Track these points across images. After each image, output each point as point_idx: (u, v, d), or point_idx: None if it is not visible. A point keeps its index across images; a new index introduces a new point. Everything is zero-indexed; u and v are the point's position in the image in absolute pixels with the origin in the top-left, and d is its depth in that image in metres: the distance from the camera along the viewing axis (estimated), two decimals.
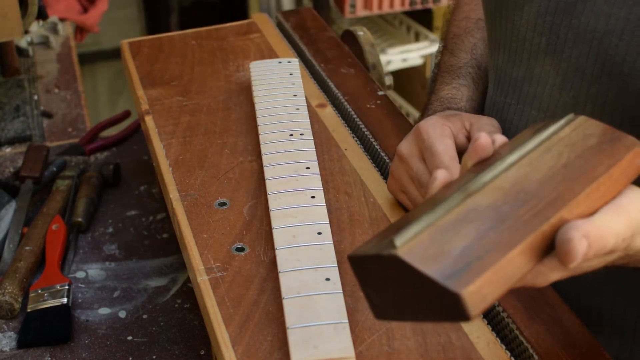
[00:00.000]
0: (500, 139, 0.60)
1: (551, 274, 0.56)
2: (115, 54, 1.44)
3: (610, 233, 0.54)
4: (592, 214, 0.55)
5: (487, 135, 0.59)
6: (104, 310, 0.94)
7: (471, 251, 0.50)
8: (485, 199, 0.53)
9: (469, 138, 0.81)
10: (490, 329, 0.69)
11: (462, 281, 0.48)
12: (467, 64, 0.94)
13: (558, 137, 0.59)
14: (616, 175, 0.57)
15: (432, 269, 0.48)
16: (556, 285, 0.73)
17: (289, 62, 1.06)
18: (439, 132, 0.79)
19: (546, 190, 0.54)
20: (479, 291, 0.48)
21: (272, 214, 0.78)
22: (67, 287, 0.94)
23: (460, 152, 0.79)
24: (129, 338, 0.90)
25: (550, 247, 0.53)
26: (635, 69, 0.70)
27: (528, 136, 0.60)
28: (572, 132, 0.60)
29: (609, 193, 0.56)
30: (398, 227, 0.52)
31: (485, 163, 0.58)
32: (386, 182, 0.86)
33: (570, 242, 0.52)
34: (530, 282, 0.56)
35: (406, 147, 0.81)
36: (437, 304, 0.48)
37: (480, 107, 0.93)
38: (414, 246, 0.50)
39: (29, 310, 0.91)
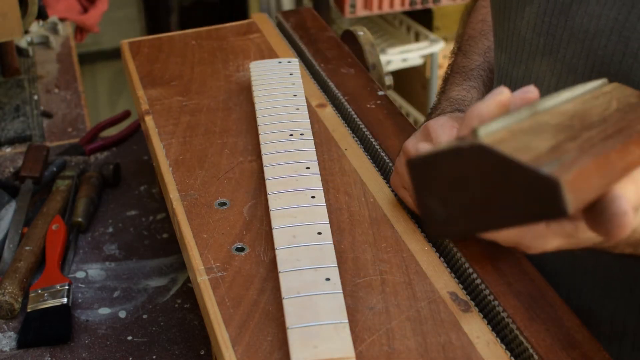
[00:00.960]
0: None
1: (551, 240, 0.54)
2: (115, 54, 1.44)
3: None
4: None
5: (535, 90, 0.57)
6: (104, 310, 0.94)
7: (559, 150, 0.45)
8: (552, 118, 0.50)
9: None
10: (490, 329, 0.69)
11: (560, 169, 0.43)
12: (479, 67, 0.94)
13: (602, 91, 0.56)
14: None
15: (525, 158, 0.44)
16: (556, 288, 0.73)
17: (289, 62, 1.07)
18: (448, 133, 0.79)
19: (610, 123, 0.51)
20: (579, 183, 0.43)
21: (272, 214, 0.78)
22: (67, 287, 0.94)
23: None
24: (129, 338, 0.90)
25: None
26: (621, 70, 0.71)
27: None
28: (612, 90, 0.57)
29: None
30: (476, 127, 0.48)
31: None
32: (386, 182, 0.86)
33: (625, 215, 0.49)
34: (526, 243, 0.54)
35: (413, 144, 0.81)
36: (526, 199, 0.44)
37: None
38: (499, 139, 0.45)
39: (29, 310, 0.91)
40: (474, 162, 0.45)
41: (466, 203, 0.47)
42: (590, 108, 0.53)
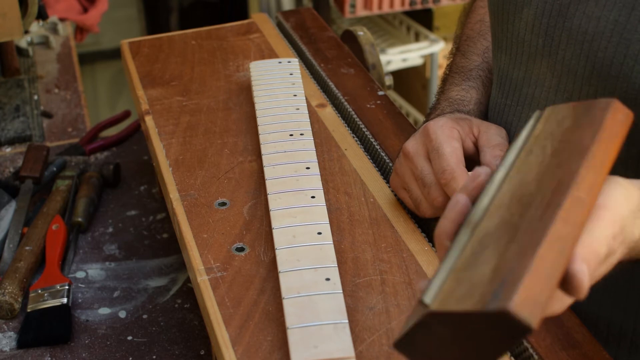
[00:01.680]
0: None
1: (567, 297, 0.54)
2: (115, 54, 1.44)
3: (599, 242, 0.54)
4: (601, 183, 0.54)
5: (486, 170, 0.58)
6: (104, 310, 0.94)
7: (500, 269, 0.48)
8: (492, 221, 0.52)
9: (475, 144, 0.81)
10: None
11: (503, 297, 0.45)
12: (478, 67, 0.94)
13: (534, 136, 0.58)
14: (606, 138, 0.55)
15: (470, 304, 0.47)
16: None
17: (289, 62, 1.06)
18: (447, 134, 0.79)
19: (546, 183, 0.53)
20: (527, 298, 0.46)
21: (272, 214, 0.78)
22: (67, 287, 0.94)
23: (466, 156, 0.79)
24: (129, 338, 0.90)
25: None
26: (622, 72, 0.71)
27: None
28: (545, 125, 0.59)
29: (608, 158, 0.55)
30: (423, 292, 0.51)
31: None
32: (386, 182, 0.86)
33: (576, 275, 0.51)
34: (549, 310, 0.54)
35: (413, 145, 0.81)
36: (497, 332, 0.47)
37: (487, 110, 0.93)
38: (445, 295, 0.49)
39: (29, 310, 0.91)
40: (438, 324, 0.49)
41: (456, 352, 0.50)
42: (525, 175, 0.55)
